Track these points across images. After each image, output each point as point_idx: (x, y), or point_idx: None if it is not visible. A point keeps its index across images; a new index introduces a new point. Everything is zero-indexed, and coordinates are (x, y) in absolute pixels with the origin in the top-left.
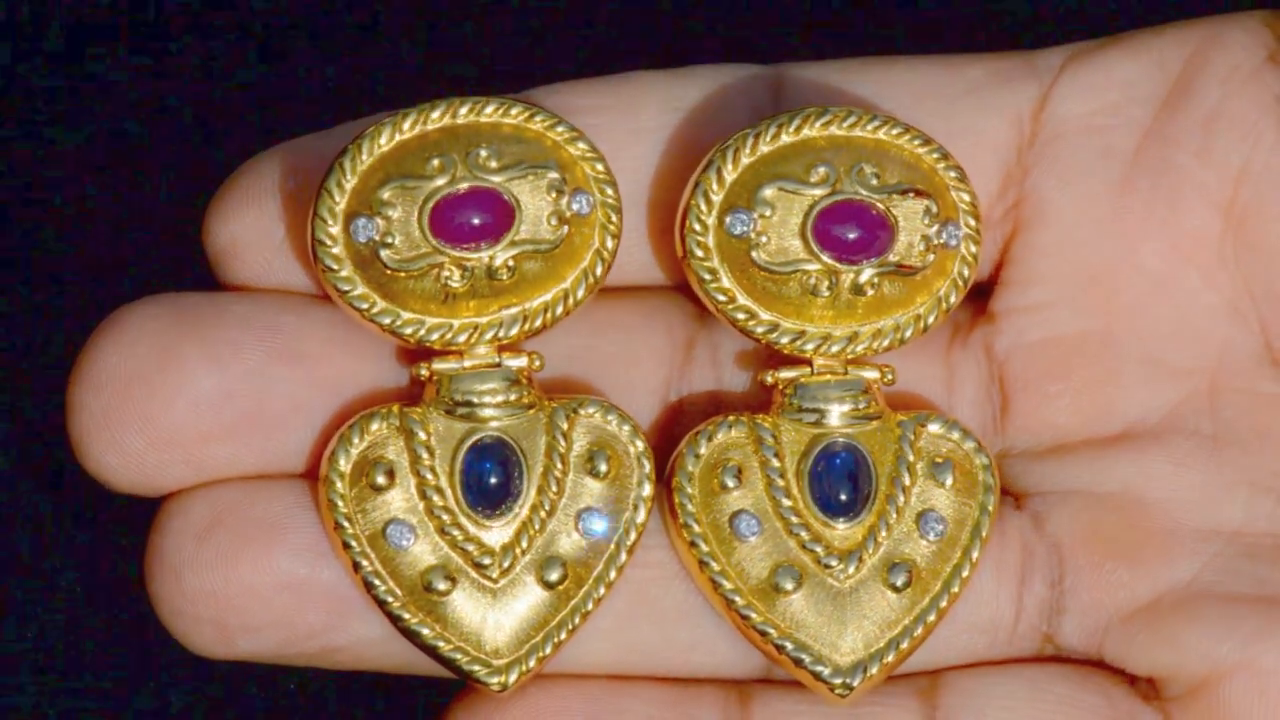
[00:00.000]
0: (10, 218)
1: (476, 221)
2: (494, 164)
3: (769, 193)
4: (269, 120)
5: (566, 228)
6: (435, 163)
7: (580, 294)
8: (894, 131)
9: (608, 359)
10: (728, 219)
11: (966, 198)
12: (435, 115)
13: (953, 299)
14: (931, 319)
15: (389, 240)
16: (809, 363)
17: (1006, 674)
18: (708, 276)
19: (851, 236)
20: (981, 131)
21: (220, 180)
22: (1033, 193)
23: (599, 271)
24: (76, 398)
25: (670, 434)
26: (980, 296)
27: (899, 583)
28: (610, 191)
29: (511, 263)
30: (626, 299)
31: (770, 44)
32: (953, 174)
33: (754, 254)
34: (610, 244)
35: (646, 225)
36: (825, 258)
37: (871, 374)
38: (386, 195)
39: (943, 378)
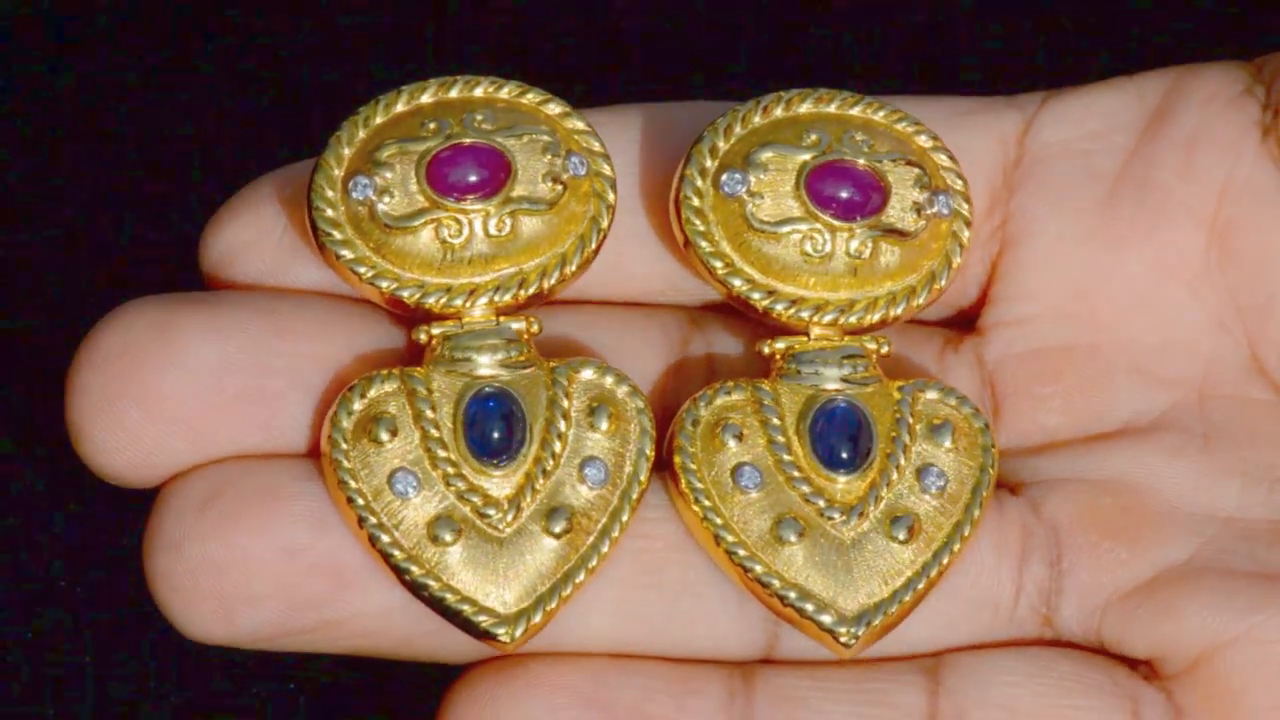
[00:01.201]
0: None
1: (473, 178)
2: (489, 126)
3: (763, 156)
4: (267, 138)
5: (563, 189)
6: (431, 125)
7: (576, 262)
8: (883, 113)
9: (604, 351)
10: (723, 177)
11: (960, 183)
12: (426, 96)
13: (943, 280)
14: (924, 295)
15: (386, 197)
16: (805, 332)
17: (1009, 653)
18: (704, 244)
19: (845, 195)
20: (968, 152)
21: (219, 203)
22: (1019, 211)
23: (594, 242)
24: (76, 382)
25: (667, 418)
26: (968, 325)
27: (902, 535)
28: (605, 166)
29: (508, 219)
30: (623, 309)
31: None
32: (943, 156)
33: (749, 210)
34: (606, 215)
35: (641, 230)
36: (820, 215)
37: (869, 343)
38: (384, 156)
39: None
